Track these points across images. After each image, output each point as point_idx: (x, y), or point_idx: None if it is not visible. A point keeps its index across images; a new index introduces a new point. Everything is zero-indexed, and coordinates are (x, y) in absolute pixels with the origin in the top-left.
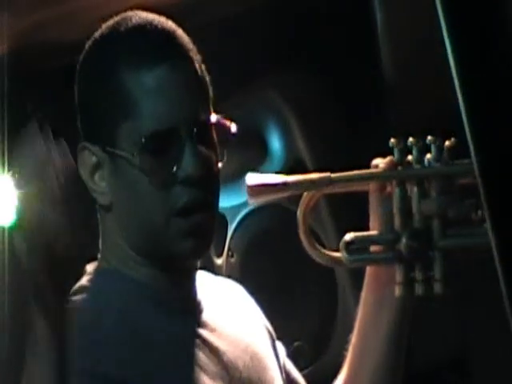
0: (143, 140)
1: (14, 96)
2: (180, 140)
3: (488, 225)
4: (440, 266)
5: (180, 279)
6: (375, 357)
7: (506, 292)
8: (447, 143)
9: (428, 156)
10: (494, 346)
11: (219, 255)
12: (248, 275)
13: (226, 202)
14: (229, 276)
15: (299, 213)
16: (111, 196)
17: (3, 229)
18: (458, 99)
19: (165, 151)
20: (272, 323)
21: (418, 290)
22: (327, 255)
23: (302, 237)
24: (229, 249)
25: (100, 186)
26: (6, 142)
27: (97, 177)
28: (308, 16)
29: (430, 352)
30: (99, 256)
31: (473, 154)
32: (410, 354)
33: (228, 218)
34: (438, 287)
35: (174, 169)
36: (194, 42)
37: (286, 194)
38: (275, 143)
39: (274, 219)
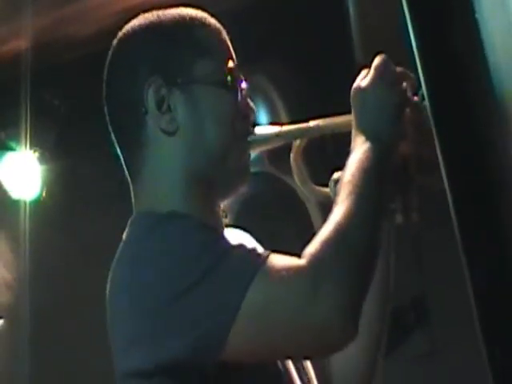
0: (227, 72)
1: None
2: (241, 81)
3: (442, 170)
4: (417, 198)
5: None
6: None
7: (459, 234)
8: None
9: None
10: (450, 286)
11: None
12: None
13: None
14: None
15: (292, 156)
16: (180, 121)
17: (25, 203)
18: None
19: (236, 84)
20: None
21: (399, 219)
22: (318, 191)
23: (296, 176)
24: (223, 210)
25: (166, 114)
26: (28, 122)
27: (164, 107)
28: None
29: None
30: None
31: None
32: None
33: None
34: (415, 216)
35: (242, 99)
36: None
37: (279, 144)
38: (262, 120)
39: (262, 184)
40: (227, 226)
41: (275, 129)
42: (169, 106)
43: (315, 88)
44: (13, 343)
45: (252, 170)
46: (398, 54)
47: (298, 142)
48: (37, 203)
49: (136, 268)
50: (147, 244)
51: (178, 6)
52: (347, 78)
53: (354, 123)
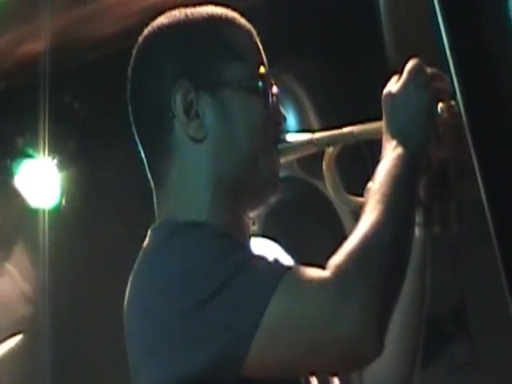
0: (259, 78)
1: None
2: (271, 87)
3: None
4: (456, 206)
5: (248, 229)
6: (402, 299)
7: (497, 244)
8: None
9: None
10: (490, 295)
11: None
12: None
13: None
14: None
15: (325, 164)
16: (208, 128)
17: (44, 211)
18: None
19: (268, 89)
20: None
21: (436, 229)
22: (352, 200)
23: (329, 184)
24: (251, 218)
25: (194, 120)
26: (47, 127)
27: (192, 112)
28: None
29: (430, 303)
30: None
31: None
32: None
33: None
34: (454, 226)
35: (273, 105)
36: None
37: (311, 151)
38: (290, 120)
39: (291, 190)
40: (255, 235)
41: (307, 136)
42: (197, 112)
43: (343, 86)
44: (33, 358)
45: (280, 174)
46: (430, 52)
47: (330, 149)
48: (56, 211)
49: (152, 280)
50: (164, 254)
51: (201, 3)
52: (377, 77)
53: (384, 129)
